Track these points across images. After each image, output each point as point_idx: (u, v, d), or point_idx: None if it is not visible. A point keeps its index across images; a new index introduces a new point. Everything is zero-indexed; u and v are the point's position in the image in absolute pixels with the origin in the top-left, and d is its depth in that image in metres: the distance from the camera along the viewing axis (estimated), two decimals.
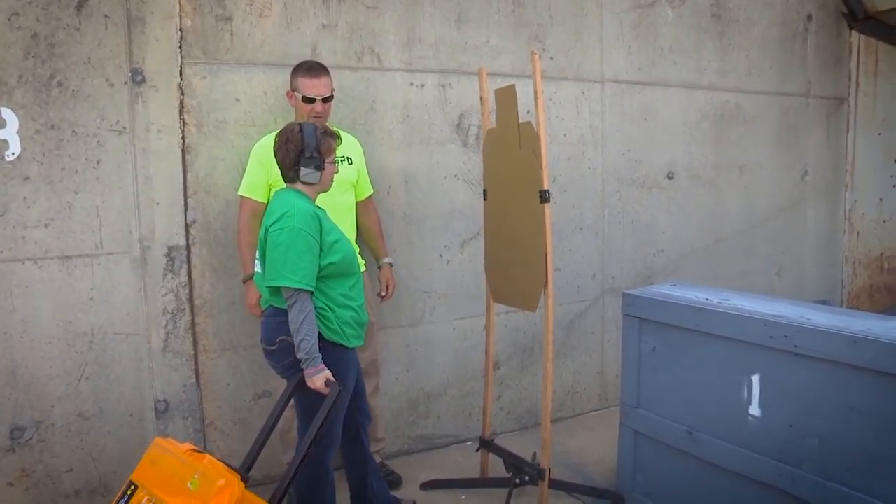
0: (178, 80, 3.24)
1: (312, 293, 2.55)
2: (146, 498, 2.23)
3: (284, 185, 2.72)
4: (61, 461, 3.16)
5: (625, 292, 3.25)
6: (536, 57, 2.93)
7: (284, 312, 2.56)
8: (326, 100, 3.18)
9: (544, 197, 2.92)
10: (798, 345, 2.48)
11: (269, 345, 2.66)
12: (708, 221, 4.88)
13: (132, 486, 2.29)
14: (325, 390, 2.53)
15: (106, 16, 3.09)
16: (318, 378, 2.53)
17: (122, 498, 2.28)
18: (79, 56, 3.05)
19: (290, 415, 3.25)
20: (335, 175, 2.78)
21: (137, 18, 3.14)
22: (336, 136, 2.71)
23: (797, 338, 2.49)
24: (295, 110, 3.22)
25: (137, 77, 3.16)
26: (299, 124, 2.64)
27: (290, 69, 3.23)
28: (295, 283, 2.49)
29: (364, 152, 3.46)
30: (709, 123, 4.81)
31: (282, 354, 2.63)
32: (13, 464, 3.07)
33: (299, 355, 2.52)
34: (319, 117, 3.13)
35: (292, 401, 3.18)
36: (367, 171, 3.45)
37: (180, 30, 3.23)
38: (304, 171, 2.61)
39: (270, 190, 3.14)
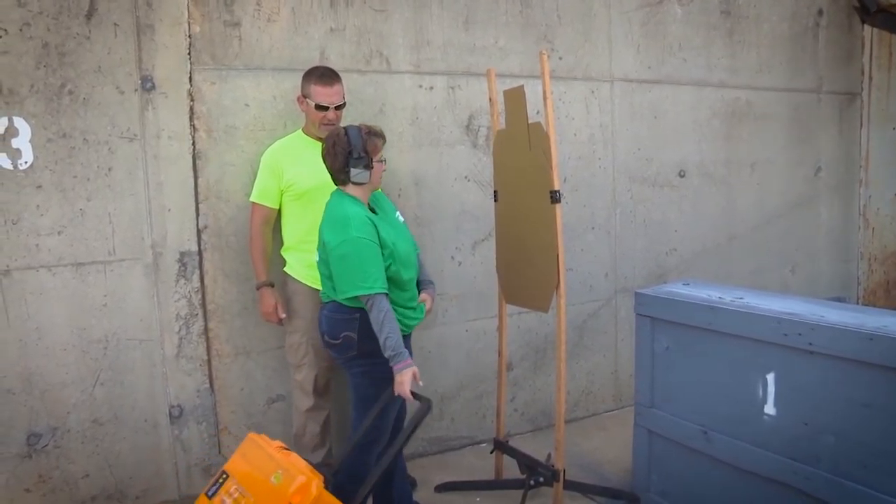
0: (188, 86, 3.25)
1: (387, 294, 2.64)
2: (234, 487, 2.38)
3: (336, 188, 2.81)
4: (77, 467, 3.18)
5: (637, 291, 3.23)
6: (545, 57, 2.92)
7: (347, 309, 2.71)
8: (339, 107, 3.19)
9: (555, 197, 2.92)
10: (813, 342, 2.47)
11: (333, 339, 2.77)
12: (720, 219, 4.85)
13: (224, 475, 2.44)
14: (408, 393, 2.61)
15: (115, 24, 3.10)
16: (407, 373, 2.61)
17: (213, 485, 2.43)
18: (89, 64, 3.07)
19: (303, 419, 3.26)
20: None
21: (146, 26, 3.16)
22: (381, 135, 2.79)
23: (811, 335, 2.47)
24: (305, 116, 3.23)
25: (147, 84, 3.17)
26: (344, 128, 2.72)
27: (299, 73, 3.24)
28: (367, 289, 2.58)
29: None
30: (719, 121, 4.78)
31: (345, 348, 2.76)
32: (30, 470, 3.09)
33: (387, 353, 2.60)
34: (331, 124, 3.12)
35: (304, 404, 3.22)
36: None
37: (189, 36, 3.24)
38: (354, 172, 2.69)
39: (282, 195, 3.15)
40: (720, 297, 2.95)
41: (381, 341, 2.60)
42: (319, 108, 3.13)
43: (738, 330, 2.75)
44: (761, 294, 3.04)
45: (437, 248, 3.87)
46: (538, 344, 4.21)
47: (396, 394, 2.63)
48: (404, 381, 2.61)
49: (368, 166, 2.70)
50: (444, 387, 3.97)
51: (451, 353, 3.97)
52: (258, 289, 3.22)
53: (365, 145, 2.69)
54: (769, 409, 2.65)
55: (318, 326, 2.86)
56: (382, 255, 2.65)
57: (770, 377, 2.64)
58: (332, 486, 2.70)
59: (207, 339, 3.38)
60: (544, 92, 2.93)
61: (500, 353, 3.49)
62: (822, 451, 2.46)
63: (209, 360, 3.40)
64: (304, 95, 3.17)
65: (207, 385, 3.40)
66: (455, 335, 3.97)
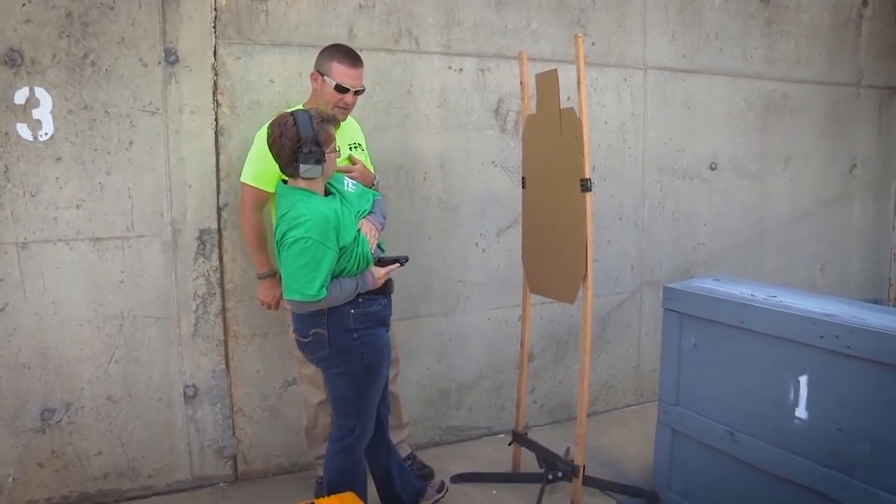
0: (212, 60, 3.18)
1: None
2: None
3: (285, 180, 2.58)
4: (90, 444, 3.15)
5: (666, 285, 3.13)
6: (580, 40, 2.83)
7: None
8: (358, 92, 3.00)
9: (586, 186, 2.82)
10: (851, 346, 2.36)
11: (303, 336, 2.61)
12: (751, 214, 4.73)
13: None
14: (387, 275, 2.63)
15: None
16: (378, 272, 2.60)
17: None
18: (112, 35, 3.00)
19: (313, 411, 3.19)
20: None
21: None
22: (335, 120, 2.56)
23: (850, 338, 2.37)
24: (315, 94, 3.01)
25: (171, 57, 3.10)
26: (292, 114, 2.43)
27: None
28: (311, 297, 2.41)
29: (365, 136, 3.29)
30: (754, 113, 4.65)
31: (316, 346, 2.59)
32: (43, 445, 3.06)
33: (365, 290, 2.55)
34: (346, 109, 2.98)
35: (315, 397, 3.15)
36: (370, 157, 3.26)
37: (214, 9, 3.16)
38: (304, 168, 2.41)
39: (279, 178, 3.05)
40: (752, 295, 2.85)
41: (354, 298, 2.54)
42: (340, 89, 2.91)
43: (771, 329, 2.65)
44: (794, 293, 2.93)
45: (461, 234, 3.79)
46: (560, 335, 4.12)
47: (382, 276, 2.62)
48: (380, 276, 2.59)
49: (320, 161, 2.42)
50: (464, 375, 3.90)
51: (472, 341, 3.89)
52: (260, 279, 3.11)
53: (317, 136, 2.40)
54: (801, 412, 2.55)
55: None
56: (338, 251, 2.45)
57: (803, 379, 2.54)
58: (323, 487, 2.69)
59: (224, 319, 3.33)
60: (578, 77, 2.83)
61: (522, 344, 3.42)
62: (857, 459, 2.36)
63: (225, 341, 3.35)
64: (322, 73, 2.93)
65: (223, 366, 3.35)
66: (476, 324, 3.89)
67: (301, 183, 2.48)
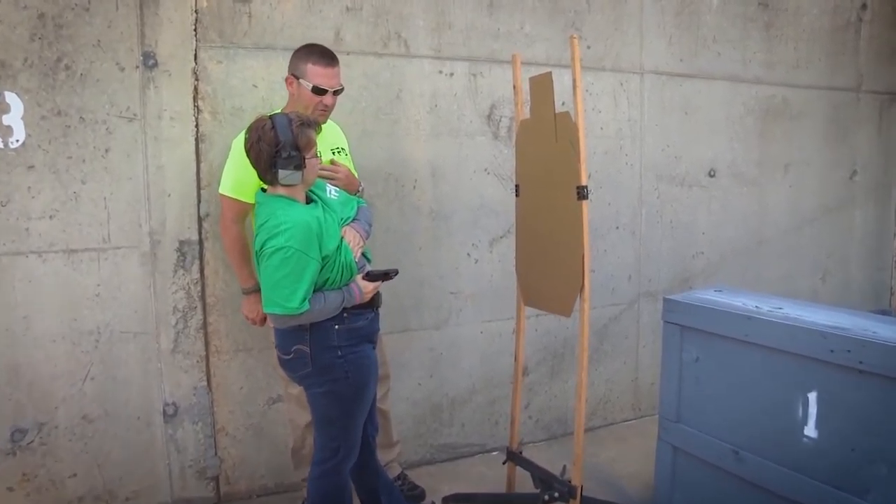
0: (193, 64, 3.05)
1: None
2: None
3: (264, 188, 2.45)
4: (64, 465, 3.00)
5: (666, 297, 3.01)
6: (576, 42, 2.70)
7: None
8: (337, 92, 2.86)
9: (582, 193, 2.69)
10: (864, 361, 2.24)
11: (284, 353, 2.48)
12: (750, 222, 4.61)
13: None
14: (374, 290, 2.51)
15: None
16: (366, 286, 2.47)
17: None
18: (87, 38, 2.88)
19: (300, 432, 3.05)
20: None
21: None
22: (315, 124, 2.41)
23: (862, 353, 2.24)
24: (292, 98, 2.88)
25: (149, 61, 2.98)
26: (270, 118, 2.31)
27: None
28: (293, 310, 2.27)
29: (349, 141, 3.14)
30: (753, 119, 4.54)
31: (298, 364, 2.45)
32: (14, 468, 2.92)
33: (351, 305, 2.42)
34: (326, 111, 2.84)
35: (303, 419, 3.00)
36: (354, 163, 3.10)
37: (195, 11, 3.04)
38: (283, 174, 2.28)
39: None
40: (757, 307, 2.73)
41: (339, 313, 2.41)
42: (317, 91, 2.77)
43: (778, 343, 2.53)
44: (800, 304, 2.81)
45: (452, 244, 3.66)
46: (556, 348, 3.99)
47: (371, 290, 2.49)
48: (368, 290, 2.46)
49: (300, 166, 2.30)
50: (456, 391, 3.77)
51: (464, 355, 3.76)
52: (245, 294, 2.96)
53: (296, 140, 2.27)
54: (810, 431, 2.43)
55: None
56: (321, 260, 2.32)
57: (812, 396, 2.42)
58: None
59: (206, 334, 3.20)
60: (574, 79, 2.70)
61: (516, 359, 3.28)
62: (871, 481, 2.23)
63: (207, 357, 3.21)
64: (296, 76, 2.79)
65: (205, 382, 3.21)
66: (469, 336, 3.76)
67: (281, 190, 2.35)
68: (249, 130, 2.33)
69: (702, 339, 2.84)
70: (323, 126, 2.82)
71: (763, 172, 4.63)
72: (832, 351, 2.32)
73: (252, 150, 2.31)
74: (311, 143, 2.36)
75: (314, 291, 2.34)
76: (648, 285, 4.24)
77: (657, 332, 4.14)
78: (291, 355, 2.45)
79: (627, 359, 4.25)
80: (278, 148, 2.27)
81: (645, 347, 4.27)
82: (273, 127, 2.28)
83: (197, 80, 3.07)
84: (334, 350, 2.42)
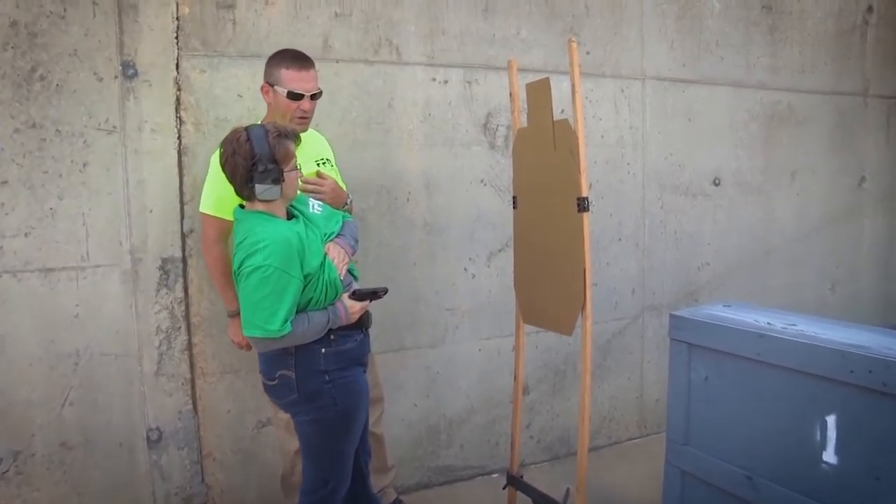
0: (175, 73, 2.92)
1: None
2: None
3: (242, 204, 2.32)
4: (42, 495, 2.85)
5: (672, 314, 2.86)
6: (574, 46, 2.56)
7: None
8: (315, 96, 2.72)
9: (583, 205, 2.55)
10: (887, 382, 2.09)
11: (269, 379, 2.34)
12: (756, 232, 4.48)
13: None
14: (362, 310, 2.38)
15: (94, 2, 2.78)
16: (353, 306, 2.34)
17: None
18: (63, 47, 2.75)
19: (290, 459, 2.90)
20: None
21: (129, 6, 2.84)
22: (294, 135, 2.28)
23: (886, 374, 2.09)
24: (271, 108, 2.75)
25: (129, 70, 2.85)
26: (246, 130, 2.19)
27: None
28: (274, 332, 2.14)
29: (335, 151, 3.00)
30: (758, 125, 4.41)
31: (283, 390, 2.32)
32: None
33: (336, 327, 2.30)
34: (305, 118, 2.70)
35: (293, 445, 2.85)
36: (341, 175, 2.97)
37: (177, 18, 2.91)
38: (260, 189, 2.16)
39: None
40: (769, 323, 2.58)
41: (326, 335, 2.28)
42: (293, 96, 2.62)
43: (793, 363, 2.38)
44: (815, 320, 2.66)
45: (448, 259, 3.52)
46: (557, 365, 3.85)
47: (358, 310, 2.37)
48: (355, 310, 2.33)
49: (278, 180, 2.17)
50: (454, 411, 3.62)
51: (462, 374, 3.61)
52: (230, 318, 2.83)
53: (273, 152, 2.15)
54: (829, 456, 2.28)
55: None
56: (303, 279, 2.19)
57: (831, 419, 2.27)
58: None
59: (191, 356, 3.05)
60: (573, 85, 2.57)
61: (515, 378, 3.13)
62: None
63: (192, 379, 3.07)
64: (271, 83, 2.65)
65: (190, 406, 3.07)
66: (466, 354, 3.61)
67: (259, 206, 2.23)
68: (224, 144, 2.20)
69: (711, 358, 2.69)
70: (306, 136, 2.69)
71: (769, 180, 4.49)
72: (852, 371, 2.18)
73: (227, 164, 2.18)
74: (290, 155, 2.23)
75: (297, 312, 2.21)
76: (653, 298, 4.10)
77: (662, 347, 4.03)
78: (276, 381, 2.31)
79: (632, 375, 4.11)
80: (254, 161, 2.14)
81: (650, 363, 4.13)
82: (248, 139, 2.15)
83: (179, 90, 2.94)
84: (321, 375, 2.29)
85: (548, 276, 2.80)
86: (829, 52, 4.64)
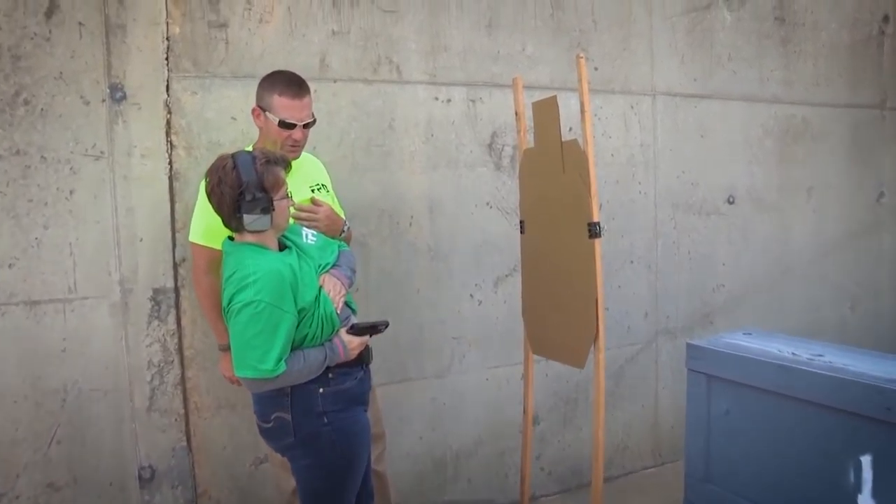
0: (165, 96, 2.81)
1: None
2: None
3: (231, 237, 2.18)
4: None
5: (689, 343, 2.72)
6: (583, 61, 2.44)
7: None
8: (308, 125, 2.57)
9: (594, 231, 2.42)
10: None
11: (264, 420, 2.20)
12: (772, 251, 4.33)
13: None
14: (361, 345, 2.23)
15: (80, 23, 2.67)
16: (352, 341, 2.19)
17: None
18: (48, 70, 2.63)
19: (287, 498, 2.75)
20: None
21: (117, 26, 2.72)
22: (283, 161, 2.16)
23: None
24: (262, 133, 2.61)
25: (117, 93, 2.73)
26: (232, 157, 2.07)
27: None
28: (267, 372, 2.00)
29: (330, 175, 2.86)
30: (772, 140, 4.27)
31: (279, 433, 2.18)
32: None
33: (333, 363, 2.15)
34: (296, 147, 2.56)
35: (290, 484, 2.69)
36: (338, 200, 2.83)
37: (167, 38, 2.80)
38: (248, 220, 2.03)
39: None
40: (794, 354, 2.44)
41: (323, 374, 2.14)
42: (285, 125, 2.48)
43: (823, 397, 2.23)
44: (843, 350, 2.51)
45: (454, 285, 3.38)
46: (568, 393, 3.70)
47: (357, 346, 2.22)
48: (353, 345, 2.18)
49: (268, 209, 2.04)
50: (461, 443, 3.47)
51: (469, 404, 3.47)
52: (222, 352, 2.69)
53: (262, 180, 2.02)
54: (865, 499, 2.12)
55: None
56: (297, 314, 2.06)
57: (866, 460, 2.12)
58: None
59: (185, 390, 2.92)
60: (582, 103, 2.44)
61: (525, 410, 2.99)
62: None
63: (186, 415, 2.93)
64: (263, 108, 2.52)
65: (184, 443, 2.93)
66: (474, 384, 3.47)
67: (249, 238, 2.09)
68: (209, 172, 2.08)
69: (732, 391, 2.54)
70: (300, 160, 2.57)
71: (784, 197, 4.35)
72: (889, 409, 2.03)
73: (213, 194, 2.05)
74: (280, 183, 2.09)
75: (291, 350, 2.07)
76: (666, 322, 3.95)
77: (677, 373, 3.88)
78: (271, 424, 2.18)
79: (646, 402, 3.95)
80: (241, 189, 2.01)
81: (664, 389, 3.97)
82: (235, 166, 2.02)
83: (170, 113, 2.82)
84: (319, 417, 2.15)
85: (558, 306, 2.66)
86: (844, 63, 4.50)
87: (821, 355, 2.39)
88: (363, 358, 2.27)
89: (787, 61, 4.28)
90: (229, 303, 2.02)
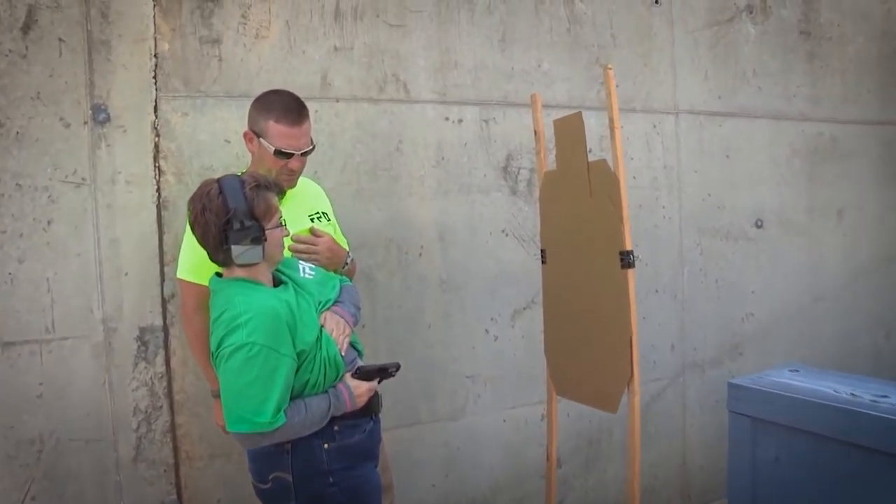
0: (153, 117, 2.61)
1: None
2: None
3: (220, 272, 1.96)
4: None
5: (731, 382, 2.48)
6: (611, 73, 2.22)
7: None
8: (306, 153, 2.32)
9: (627, 260, 2.17)
10: None
11: (261, 481, 1.97)
12: (803, 276, 4.08)
13: None
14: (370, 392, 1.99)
15: (60, 39, 2.48)
16: (359, 387, 1.95)
17: None
18: (25, 90, 2.44)
19: None
20: None
21: (101, 42, 2.53)
22: (275, 186, 1.94)
23: None
24: (254, 158, 2.37)
25: (100, 115, 2.53)
26: (217, 181, 1.86)
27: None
28: (264, 425, 1.76)
29: (332, 202, 2.63)
30: (800, 160, 4.04)
31: (279, 495, 1.94)
32: None
33: (337, 414, 1.92)
34: (292, 176, 2.32)
35: None
36: (341, 229, 2.59)
37: (155, 55, 2.60)
38: (237, 251, 1.80)
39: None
40: (853, 394, 2.19)
41: (328, 426, 1.91)
42: (281, 154, 2.24)
43: (889, 444, 1.97)
44: None
45: (467, 320, 3.15)
46: (591, 434, 3.44)
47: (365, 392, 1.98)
48: (361, 392, 1.93)
49: (259, 239, 1.82)
50: (476, 491, 3.22)
51: (485, 448, 3.22)
52: (215, 398, 2.43)
53: (251, 207, 1.81)
54: None
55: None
56: (296, 358, 1.83)
57: None
58: None
59: (174, 438, 2.69)
60: (611, 119, 2.21)
61: (549, 456, 2.73)
62: None
63: (177, 465, 2.70)
64: (257, 133, 2.27)
65: (174, 496, 2.70)
66: (490, 427, 3.22)
67: (238, 272, 1.87)
68: (192, 200, 1.85)
69: (782, 435, 2.30)
70: (299, 187, 2.34)
71: (814, 220, 4.11)
72: None
73: (197, 223, 1.83)
74: (272, 210, 1.87)
75: (291, 399, 1.82)
76: (694, 355, 3.70)
77: (706, 408, 3.65)
78: (269, 485, 1.94)
79: (673, 440, 3.69)
80: (228, 217, 1.79)
81: (692, 427, 3.71)
82: (221, 192, 1.80)
83: (158, 136, 2.62)
84: (324, 476, 1.91)
85: (586, 344, 2.41)
86: (872, 78, 4.29)
87: (885, 396, 2.14)
88: (372, 406, 2.03)
89: (813, 77, 4.07)
90: (218, 347, 1.78)
